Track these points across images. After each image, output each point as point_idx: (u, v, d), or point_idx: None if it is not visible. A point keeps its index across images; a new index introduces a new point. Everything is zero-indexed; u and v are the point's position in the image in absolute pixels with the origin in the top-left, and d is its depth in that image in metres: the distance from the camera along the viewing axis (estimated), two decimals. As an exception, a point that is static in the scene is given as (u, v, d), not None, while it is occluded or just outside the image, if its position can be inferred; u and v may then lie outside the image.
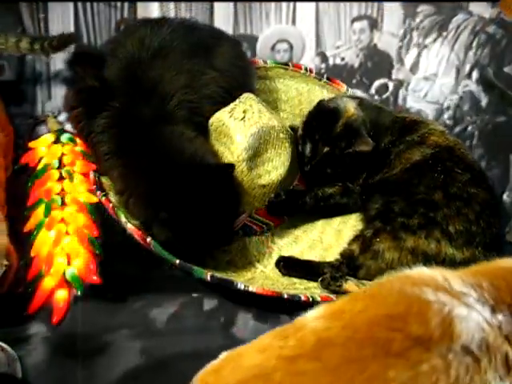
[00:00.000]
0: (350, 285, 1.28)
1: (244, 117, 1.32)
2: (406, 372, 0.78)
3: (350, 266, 1.30)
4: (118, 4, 1.74)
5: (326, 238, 1.42)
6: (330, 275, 1.30)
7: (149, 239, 1.28)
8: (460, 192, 1.31)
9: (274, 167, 1.35)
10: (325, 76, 1.60)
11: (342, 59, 1.74)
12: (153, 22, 1.43)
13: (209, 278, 1.25)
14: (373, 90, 1.71)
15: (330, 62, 1.73)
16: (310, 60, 1.72)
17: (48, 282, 1.34)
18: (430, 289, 0.86)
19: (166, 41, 1.36)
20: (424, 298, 0.85)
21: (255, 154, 1.32)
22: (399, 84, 1.72)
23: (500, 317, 0.84)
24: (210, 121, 1.35)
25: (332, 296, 1.27)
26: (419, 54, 1.74)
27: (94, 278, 1.36)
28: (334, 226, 1.43)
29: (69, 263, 1.36)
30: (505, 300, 0.86)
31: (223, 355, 0.92)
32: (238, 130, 1.31)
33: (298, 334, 0.86)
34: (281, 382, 0.81)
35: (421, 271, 0.92)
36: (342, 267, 1.31)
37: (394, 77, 1.72)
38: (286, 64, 1.60)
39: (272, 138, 1.33)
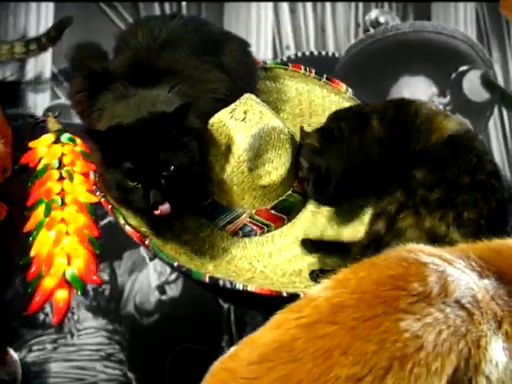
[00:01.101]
0: None
1: (245, 118, 1.32)
2: (415, 323, 0.86)
3: (377, 247, 1.25)
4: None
5: (326, 239, 1.41)
6: (319, 268, 1.31)
7: (147, 241, 1.28)
8: (485, 182, 1.29)
9: (275, 168, 1.35)
10: (324, 76, 1.60)
11: None
12: (164, 15, 1.44)
13: (207, 279, 1.26)
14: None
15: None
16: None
17: (48, 282, 1.34)
18: (424, 254, 0.95)
19: (175, 33, 1.36)
20: (420, 260, 0.93)
21: (256, 155, 1.32)
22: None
23: (486, 281, 0.92)
24: (211, 121, 1.35)
25: None
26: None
27: (94, 277, 1.36)
28: (334, 227, 1.43)
29: (69, 263, 1.37)
30: (490, 268, 0.93)
31: (235, 346, 0.96)
32: (239, 130, 1.31)
33: (312, 304, 0.91)
34: (303, 348, 0.86)
35: (412, 244, 1.00)
36: (369, 249, 1.27)
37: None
38: (286, 64, 1.60)
39: (273, 139, 1.33)
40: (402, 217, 1.26)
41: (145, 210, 1.24)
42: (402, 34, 1.75)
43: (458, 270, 0.92)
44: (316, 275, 1.31)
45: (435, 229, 1.25)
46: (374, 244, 1.28)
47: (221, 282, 1.26)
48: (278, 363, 0.86)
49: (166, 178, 1.20)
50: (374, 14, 1.78)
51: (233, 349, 0.96)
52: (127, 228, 1.29)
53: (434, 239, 1.22)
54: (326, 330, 0.87)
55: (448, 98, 1.66)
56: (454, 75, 1.69)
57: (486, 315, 0.89)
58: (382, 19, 1.76)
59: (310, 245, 1.38)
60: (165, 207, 1.21)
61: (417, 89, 1.67)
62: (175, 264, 1.27)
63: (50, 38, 1.55)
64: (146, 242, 1.28)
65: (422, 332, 0.85)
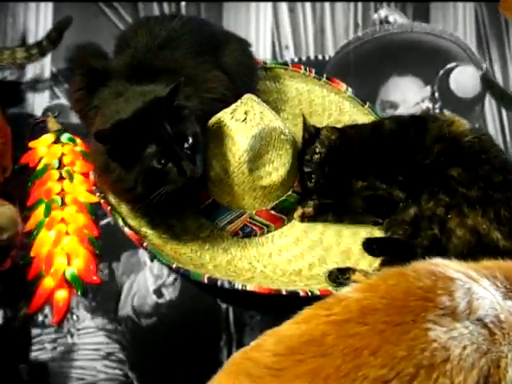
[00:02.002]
0: (358, 276, 1.29)
1: (245, 118, 1.32)
2: (443, 335, 0.88)
3: (438, 250, 1.27)
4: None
5: (326, 239, 1.41)
6: (337, 268, 1.31)
7: (145, 243, 1.28)
8: None
9: (275, 168, 1.35)
10: (324, 75, 1.60)
11: None
12: (164, 15, 1.43)
13: (206, 280, 1.26)
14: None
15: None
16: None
17: (48, 282, 1.34)
18: (450, 269, 0.96)
19: (175, 33, 1.36)
20: (448, 275, 0.95)
21: (256, 156, 1.32)
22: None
23: (510, 303, 0.92)
24: (211, 121, 1.35)
25: (330, 289, 1.28)
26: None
27: (94, 277, 1.37)
28: (334, 227, 1.43)
29: (69, 263, 1.37)
30: None
31: (257, 339, 0.97)
32: (240, 131, 1.31)
33: (342, 303, 0.93)
34: (333, 344, 0.88)
35: (438, 259, 1.01)
36: (432, 252, 1.25)
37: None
38: (286, 64, 1.60)
39: (273, 140, 1.33)
40: (450, 217, 1.28)
41: (183, 186, 1.22)
42: (391, 35, 1.75)
43: (483, 288, 0.93)
44: (336, 276, 1.30)
45: (478, 226, 1.27)
46: (434, 246, 1.29)
47: (219, 283, 1.26)
48: (306, 356, 0.88)
49: (188, 149, 1.21)
50: (383, 12, 1.78)
51: (253, 342, 0.96)
52: (126, 230, 1.29)
53: (478, 237, 1.26)
54: (356, 330, 0.89)
55: (437, 97, 1.67)
56: (441, 72, 1.69)
57: (508, 337, 0.90)
58: (391, 18, 1.77)
59: (376, 247, 1.37)
60: (198, 170, 1.22)
61: (406, 89, 1.68)
62: (173, 265, 1.27)
63: (51, 40, 1.55)
64: (144, 244, 1.28)
65: (449, 344, 0.87)
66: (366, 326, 0.89)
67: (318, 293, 1.26)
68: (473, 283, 0.94)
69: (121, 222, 1.30)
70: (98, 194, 1.35)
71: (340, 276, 1.30)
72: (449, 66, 1.70)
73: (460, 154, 1.33)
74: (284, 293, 1.26)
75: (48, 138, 1.50)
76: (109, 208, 1.31)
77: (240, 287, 1.26)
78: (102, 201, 1.33)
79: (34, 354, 1.29)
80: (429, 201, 1.31)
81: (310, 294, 1.26)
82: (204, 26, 1.45)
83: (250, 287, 1.26)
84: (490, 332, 0.89)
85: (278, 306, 1.28)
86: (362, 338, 0.88)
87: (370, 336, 0.88)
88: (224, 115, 1.34)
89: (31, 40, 1.67)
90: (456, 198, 1.29)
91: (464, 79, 1.69)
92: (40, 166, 1.46)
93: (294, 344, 0.90)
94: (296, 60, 1.71)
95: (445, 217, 1.28)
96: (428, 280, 0.94)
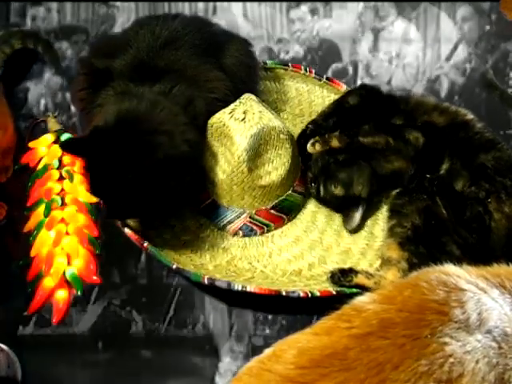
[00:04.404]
0: (360, 278, 1.28)
1: (244, 118, 1.32)
2: (459, 350, 0.88)
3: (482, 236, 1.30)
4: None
5: (326, 239, 1.41)
6: (339, 270, 1.31)
7: (146, 244, 1.28)
8: None
9: (275, 168, 1.35)
10: (324, 76, 1.60)
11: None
12: (167, 15, 1.44)
13: (206, 281, 1.26)
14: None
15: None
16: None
17: (48, 282, 1.34)
18: (461, 279, 0.97)
19: (177, 32, 1.36)
20: (459, 286, 0.95)
21: (256, 155, 1.32)
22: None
23: None
24: (211, 121, 1.35)
25: (330, 289, 1.28)
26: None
27: (94, 277, 1.37)
28: (334, 227, 1.43)
29: (69, 263, 1.37)
30: None
31: (270, 348, 0.97)
32: (239, 130, 1.31)
33: (362, 315, 0.94)
34: (356, 358, 0.89)
35: (448, 266, 1.02)
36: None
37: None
38: (286, 64, 1.60)
39: (272, 139, 1.33)
40: (490, 201, 1.30)
41: None
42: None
43: (492, 299, 0.94)
44: (338, 278, 1.30)
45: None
46: (479, 222, 1.30)
47: (219, 283, 1.26)
48: (331, 370, 0.88)
49: None
50: None
51: (268, 350, 0.96)
52: (126, 230, 1.29)
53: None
54: (377, 344, 0.90)
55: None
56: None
57: None
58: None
59: None
60: None
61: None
62: (174, 266, 1.27)
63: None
64: (145, 245, 1.28)
65: (464, 359, 0.87)
66: (388, 339, 0.90)
67: (318, 294, 1.26)
68: (482, 294, 0.94)
69: (120, 223, 1.30)
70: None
71: (342, 278, 1.29)
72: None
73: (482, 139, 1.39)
74: (284, 294, 1.25)
75: (48, 137, 1.50)
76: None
77: (240, 288, 1.25)
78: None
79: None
80: (470, 186, 1.33)
81: (310, 295, 1.26)
82: (206, 25, 1.45)
83: (249, 288, 1.25)
84: (499, 345, 0.89)
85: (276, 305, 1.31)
86: (384, 352, 0.89)
87: (392, 350, 0.89)
88: (223, 115, 1.34)
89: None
90: (495, 185, 1.31)
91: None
92: (40, 166, 1.46)
93: (317, 357, 0.90)
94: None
95: (485, 200, 1.30)
96: (441, 292, 0.94)
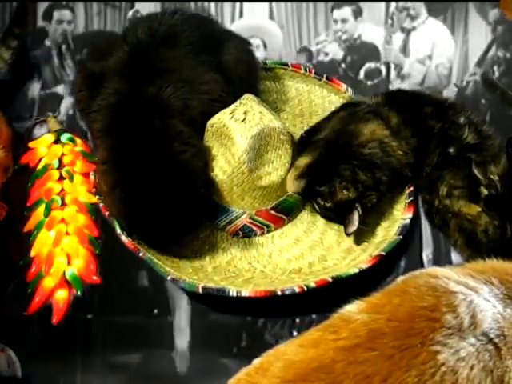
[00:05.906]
0: None
1: (245, 118, 1.32)
2: (451, 357, 0.86)
3: None
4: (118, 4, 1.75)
5: (327, 239, 1.41)
6: None
7: (141, 253, 1.28)
8: None
9: (275, 168, 1.35)
10: (324, 76, 1.60)
11: (326, 54, 1.71)
12: (165, 11, 1.44)
13: (200, 290, 1.25)
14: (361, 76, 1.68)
15: (318, 58, 1.70)
16: (292, 58, 1.68)
17: (48, 282, 1.34)
18: (451, 281, 0.94)
19: (175, 29, 1.36)
20: (449, 289, 0.93)
21: (256, 156, 1.32)
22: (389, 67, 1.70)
23: (509, 310, 0.91)
24: (211, 121, 1.35)
25: (327, 277, 1.27)
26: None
27: (94, 277, 1.37)
28: (335, 227, 1.43)
29: (69, 263, 1.37)
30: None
31: (259, 359, 0.95)
32: (239, 131, 1.31)
33: (350, 326, 0.92)
34: (343, 372, 0.87)
35: (434, 268, 1.00)
36: None
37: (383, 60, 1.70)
38: (286, 64, 1.60)
39: (273, 140, 1.33)
40: None
41: None
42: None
43: (483, 299, 0.92)
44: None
45: None
46: None
47: (213, 292, 1.25)
48: None
49: None
50: None
51: (256, 361, 0.95)
52: (123, 237, 1.29)
53: None
54: (365, 356, 0.87)
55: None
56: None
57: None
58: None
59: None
60: None
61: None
62: (169, 277, 1.26)
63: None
64: (141, 255, 1.28)
65: (457, 367, 0.86)
66: (375, 351, 0.88)
67: (314, 285, 1.26)
68: (473, 294, 0.92)
69: (118, 230, 1.30)
70: (97, 197, 1.35)
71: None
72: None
73: None
74: (279, 293, 1.25)
75: (48, 137, 1.50)
76: (107, 213, 1.32)
77: (235, 294, 1.25)
78: (102, 205, 1.33)
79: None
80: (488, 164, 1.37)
81: (305, 288, 1.25)
82: (205, 23, 1.44)
83: (244, 293, 1.25)
84: (496, 347, 0.88)
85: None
86: (371, 364, 0.87)
87: (380, 362, 0.86)
88: (223, 115, 1.34)
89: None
90: None
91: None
92: (40, 166, 1.46)
93: (302, 371, 0.88)
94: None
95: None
96: (431, 297, 0.92)
